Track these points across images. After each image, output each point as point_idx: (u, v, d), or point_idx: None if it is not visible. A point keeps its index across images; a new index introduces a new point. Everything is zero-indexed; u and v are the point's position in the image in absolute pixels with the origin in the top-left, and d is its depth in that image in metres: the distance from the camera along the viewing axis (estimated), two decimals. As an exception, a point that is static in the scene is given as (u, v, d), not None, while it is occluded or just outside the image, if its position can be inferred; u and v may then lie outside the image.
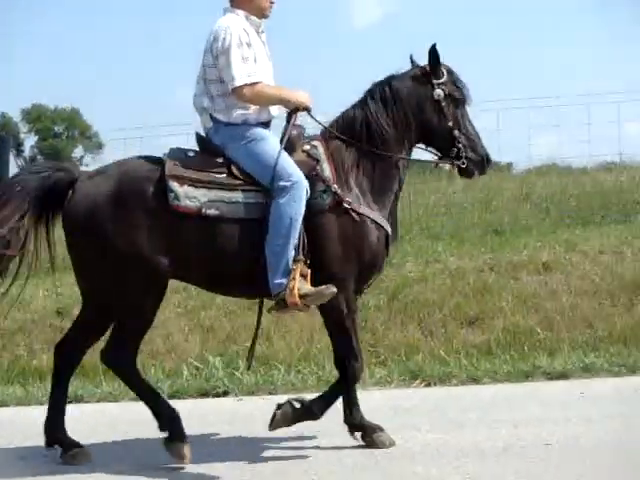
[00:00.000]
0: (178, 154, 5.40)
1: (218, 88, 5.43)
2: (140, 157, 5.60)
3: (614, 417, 5.61)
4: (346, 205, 5.30)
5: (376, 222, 5.42)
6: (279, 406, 5.43)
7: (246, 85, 5.31)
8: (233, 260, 5.27)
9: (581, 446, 5.03)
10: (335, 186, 5.32)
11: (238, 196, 5.28)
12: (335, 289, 5.13)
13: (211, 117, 5.49)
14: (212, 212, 5.21)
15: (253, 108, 5.45)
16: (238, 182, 5.32)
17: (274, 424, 5.41)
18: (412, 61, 5.84)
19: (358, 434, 5.53)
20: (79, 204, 5.24)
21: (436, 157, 5.85)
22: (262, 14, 5.60)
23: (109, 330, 5.48)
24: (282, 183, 5.20)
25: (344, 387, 5.54)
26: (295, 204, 5.19)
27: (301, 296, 5.08)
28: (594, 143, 17.99)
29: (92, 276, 5.35)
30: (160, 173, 5.24)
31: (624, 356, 7.01)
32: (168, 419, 5.24)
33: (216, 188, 5.27)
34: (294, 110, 5.51)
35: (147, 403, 5.36)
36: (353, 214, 5.32)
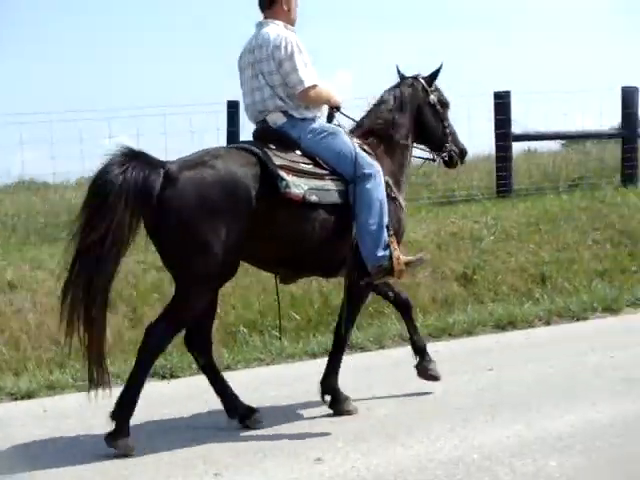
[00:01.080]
0: (260, 145, 5.70)
1: (285, 90, 5.87)
2: (229, 147, 6.17)
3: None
4: (393, 195, 6.06)
5: (403, 206, 6.25)
6: None
7: (310, 88, 5.84)
8: (322, 242, 5.75)
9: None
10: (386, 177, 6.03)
11: (327, 184, 5.77)
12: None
13: (285, 114, 5.90)
14: (313, 199, 5.63)
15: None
16: (324, 172, 5.81)
17: None
18: (399, 71, 6.68)
19: (328, 398, 5.96)
20: (187, 193, 5.29)
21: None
22: (293, 23, 6.15)
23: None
24: (366, 171, 5.81)
25: (340, 352, 6.13)
26: (380, 187, 5.85)
27: (405, 264, 5.80)
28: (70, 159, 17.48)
29: (195, 257, 5.36)
30: (260, 163, 5.52)
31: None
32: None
33: (312, 177, 5.72)
34: (336, 108, 6.18)
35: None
36: (396, 201, 6.11)
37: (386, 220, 5.82)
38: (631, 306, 9.02)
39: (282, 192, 5.51)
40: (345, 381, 6.04)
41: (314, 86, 5.88)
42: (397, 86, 6.56)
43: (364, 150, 6.02)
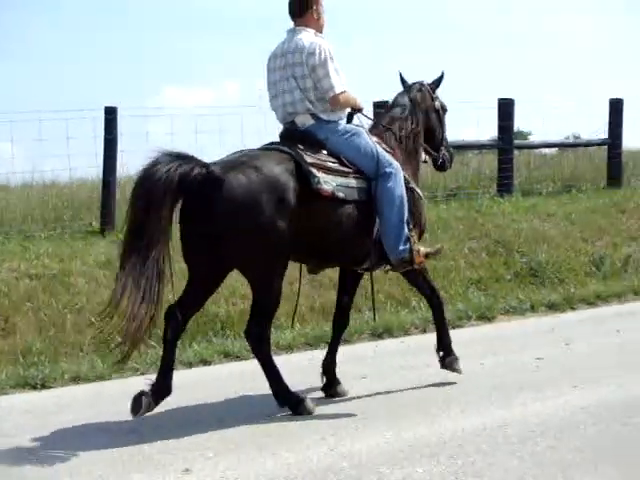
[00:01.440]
0: (289, 146, 6.13)
1: (315, 94, 6.29)
2: (266, 148, 6.28)
3: None
4: (411, 186, 6.56)
5: (422, 197, 6.83)
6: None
7: (340, 93, 6.31)
8: (347, 234, 6.21)
9: None
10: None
11: (351, 181, 6.22)
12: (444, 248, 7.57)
13: (313, 117, 6.33)
14: (340, 195, 6.10)
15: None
16: (348, 170, 6.25)
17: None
18: (402, 77, 7.24)
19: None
20: (237, 192, 5.66)
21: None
22: (322, 31, 6.55)
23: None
24: (388, 170, 6.27)
25: (340, 336, 6.79)
26: (400, 185, 6.31)
27: (426, 255, 6.48)
28: None
29: (241, 252, 5.81)
30: (294, 162, 5.97)
31: None
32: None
33: (338, 175, 6.16)
34: (358, 110, 6.65)
35: None
36: (415, 192, 6.61)
37: (406, 215, 6.34)
38: (505, 314, 9.20)
39: (314, 188, 5.96)
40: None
41: (344, 92, 6.35)
42: (408, 91, 7.08)
43: (383, 149, 6.45)
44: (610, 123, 14.72)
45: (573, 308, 9.55)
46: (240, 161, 5.88)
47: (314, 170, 5.99)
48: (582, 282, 10.38)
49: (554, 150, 17.89)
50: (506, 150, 13.49)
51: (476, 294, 9.73)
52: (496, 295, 9.72)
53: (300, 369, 6.99)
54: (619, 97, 14.66)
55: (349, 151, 6.34)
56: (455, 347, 6.67)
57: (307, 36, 6.34)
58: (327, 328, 7.97)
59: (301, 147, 6.12)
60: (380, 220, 6.31)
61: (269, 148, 6.24)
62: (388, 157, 6.38)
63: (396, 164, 6.38)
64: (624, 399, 6.04)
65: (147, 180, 5.59)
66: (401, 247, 6.28)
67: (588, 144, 15.93)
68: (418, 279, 6.78)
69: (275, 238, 5.76)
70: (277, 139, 6.46)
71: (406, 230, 6.32)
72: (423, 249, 6.45)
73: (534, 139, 18.37)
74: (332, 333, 6.77)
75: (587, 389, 6.32)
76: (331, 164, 6.18)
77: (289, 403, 5.94)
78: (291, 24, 6.52)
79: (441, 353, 6.71)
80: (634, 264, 11.17)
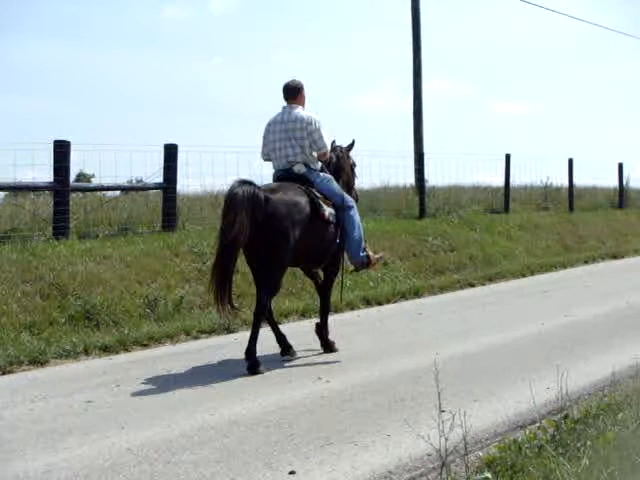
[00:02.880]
0: (298, 186, 8.97)
1: (309, 151, 9.24)
2: (285, 183, 8.97)
3: None
4: None
5: None
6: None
7: (327, 151, 9.53)
8: (327, 245, 9.19)
9: None
10: None
11: (332, 210, 9.12)
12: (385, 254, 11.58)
13: (306, 166, 9.24)
14: (330, 218, 9.09)
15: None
16: (329, 202, 9.17)
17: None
18: (334, 142, 10.10)
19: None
20: (280, 208, 8.46)
21: None
22: (304, 106, 9.56)
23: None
24: (350, 204, 9.40)
25: (326, 311, 9.62)
26: (357, 213, 9.49)
27: (377, 259, 9.68)
28: None
29: (280, 245, 8.49)
30: (309, 194, 8.93)
31: None
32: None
33: (327, 205, 9.09)
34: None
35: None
36: None
37: (362, 233, 9.49)
38: (59, 358, 9.05)
39: (320, 213, 8.95)
40: None
41: (328, 149, 9.56)
42: (333, 150, 10.00)
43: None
44: (165, 168, 14.99)
45: (127, 350, 9.61)
46: (277, 189, 8.74)
47: (320, 201, 9.01)
48: (136, 324, 10.49)
49: (117, 193, 18.03)
50: (62, 192, 13.32)
51: (29, 338, 9.50)
52: (50, 339, 9.54)
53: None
54: (174, 143, 15.01)
55: (328, 190, 9.28)
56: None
57: (301, 111, 9.38)
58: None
59: (305, 186, 9.04)
60: (346, 237, 9.34)
61: (291, 180, 9.09)
62: (347, 195, 9.52)
63: (352, 200, 9.59)
64: (169, 438, 6.18)
65: (233, 195, 8.22)
66: (362, 254, 9.44)
67: (144, 187, 16.15)
68: (332, 282, 9.72)
69: (292, 237, 8.54)
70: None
71: (363, 243, 9.47)
72: (374, 256, 9.62)
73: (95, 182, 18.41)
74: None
75: (134, 430, 6.40)
76: (321, 197, 9.09)
77: (248, 360, 8.34)
78: (283, 102, 9.48)
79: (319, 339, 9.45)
80: (187, 305, 11.51)
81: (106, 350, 9.48)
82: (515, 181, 25.13)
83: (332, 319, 10.39)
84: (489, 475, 4.99)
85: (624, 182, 29.81)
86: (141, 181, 16.77)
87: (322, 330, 9.37)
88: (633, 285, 14.81)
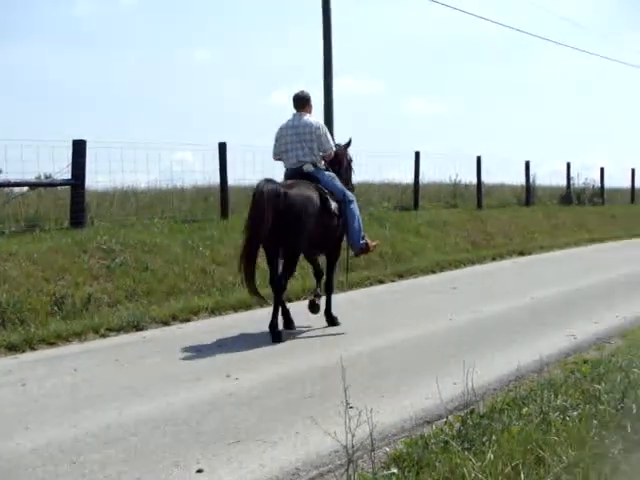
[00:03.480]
0: (309, 182, 10.39)
1: (316, 151, 10.66)
2: (299, 180, 10.32)
3: None
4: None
5: None
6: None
7: (333, 152, 10.96)
8: (332, 233, 10.65)
9: None
10: None
11: (335, 203, 10.48)
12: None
13: (313, 165, 10.64)
14: (335, 211, 10.49)
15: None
16: (333, 196, 10.53)
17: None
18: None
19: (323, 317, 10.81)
20: (297, 201, 9.83)
21: None
22: (312, 113, 11.12)
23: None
24: (350, 198, 10.79)
25: (330, 292, 10.97)
26: (357, 207, 10.94)
27: (373, 245, 11.28)
28: None
29: (299, 232, 9.89)
30: (319, 189, 10.33)
31: None
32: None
33: (332, 199, 10.47)
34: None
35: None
36: None
37: (361, 224, 10.94)
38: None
39: (328, 206, 10.35)
40: None
41: (332, 151, 10.97)
42: (338, 149, 11.31)
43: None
44: (73, 163, 14.71)
45: (33, 348, 9.45)
46: (293, 185, 10.10)
47: (328, 197, 10.39)
48: (43, 322, 10.31)
49: (25, 189, 17.71)
50: None
51: None
52: None
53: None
54: (82, 138, 14.78)
55: (332, 186, 10.67)
56: None
57: (310, 118, 10.87)
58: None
59: (314, 183, 10.44)
60: (347, 227, 10.79)
61: (304, 178, 10.45)
62: (348, 191, 10.91)
63: (352, 195, 11.03)
64: (76, 437, 6.11)
65: (260, 193, 9.59)
66: (361, 241, 10.91)
67: (52, 184, 15.84)
68: (334, 264, 11.13)
69: (308, 226, 9.98)
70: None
71: (362, 232, 10.93)
72: (371, 243, 11.17)
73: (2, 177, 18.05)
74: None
75: (39, 430, 6.31)
76: (329, 193, 10.48)
77: (273, 332, 9.73)
78: (293, 110, 10.96)
79: (325, 316, 10.80)
80: (95, 303, 11.36)
81: (12, 349, 9.31)
82: (425, 178, 25.40)
83: (243, 316, 10.41)
84: (395, 470, 5.05)
85: (531, 180, 30.34)
86: (50, 177, 16.51)
87: (327, 307, 10.88)
88: (538, 281, 15.09)
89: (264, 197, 9.48)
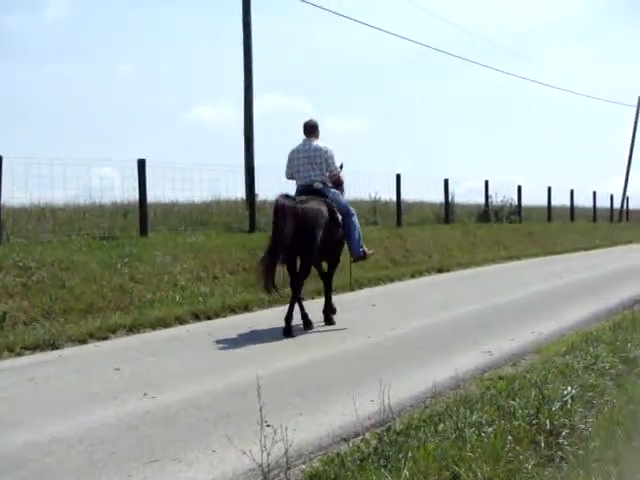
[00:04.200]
0: (319, 197, 12.08)
1: (325, 172, 12.46)
2: (311, 196, 11.99)
3: None
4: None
5: None
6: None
7: (339, 172, 12.80)
8: (338, 241, 12.39)
9: None
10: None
11: (340, 216, 12.16)
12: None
13: (322, 183, 12.38)
14: (340, 222, 12.15)
15: None
16: (338, 210, 12.19)
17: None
18: (342, 164, 13.15)
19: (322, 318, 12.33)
20: (310, 213, 11.46)
21: None
22: (319, 138, 12.76)
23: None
24: (351, 211, 12.51)
25: (329, 292, 12.65)
26: (357, 219, 12.67)
27: (370, 254, 13.08)
28: None
29: (313, 241, 11.49)
30: (327, 204, 11.99)
31: None
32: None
33: (338, 213, 12.16)
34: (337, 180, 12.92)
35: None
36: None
37: (360, 233, 12.68)
38: None
39: (335, 218, 11.99)
40: None
41: (338, 172, 12.75)
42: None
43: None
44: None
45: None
46: (306, 200, 11.67)
47: (335, 210, 12.05)
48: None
49: None
50: None
51: None
52: None
53: None
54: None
55: (337, 202, 12.31)
56: None
57: (319, 143, 12.55)
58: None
59: (323, 198, 12.07)
60: (348, 237, 12.48)
61: (314, 196, 11.99)
62: (350, 206, 12.63)
63: (353, 209, 12.70)
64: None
65: (279, 207, 11.09)
66: (360, 249, 12.57)
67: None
68: (334, 269, 12.83)
69: (318, 236, 11.55)
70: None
71: (361, 241, 12.65)
72: (369, 251, 12.98)
73: None
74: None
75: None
76: (335, 207, 12.11)
77: (286, 326, 11.26)
78: (303, 136, 12.69)
79: (323, 315, 12.36)
80: (10, 321, 11.22)
81: None
82: (346, 196, 25.46)
83: (161, 334, 10.35)
84: (311, 489, 5.06)
85: (450, 197, 30.63)
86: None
87: (326, 306, 12.46)
88: (456, 298, 15.22)
89: (285, 212, 11.04)
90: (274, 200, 11.88)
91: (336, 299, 13.82)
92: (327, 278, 12.70)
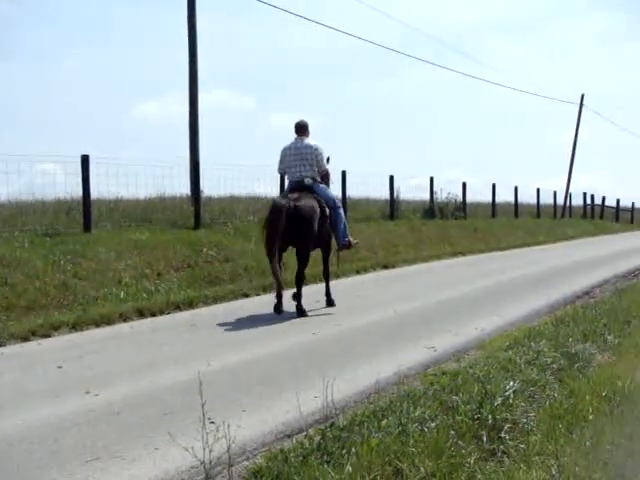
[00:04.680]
0: (309, 194, 13.24)
1: (315, 168, 13.58)
2: (304, 193, 13.18)
3: None
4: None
5: None
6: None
7: (327, 169, 13.94)
8: (327, 232, 13.56)
9: None
10: None
11: (327, 209, 13.33)
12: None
13: (312, 179, 13.51)
14: (328, 215, 13.35)
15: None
16: (325, 203, 13.39)
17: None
18: (328, 157, 14.26)
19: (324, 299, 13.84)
20: (304, 210, 12.71)
21: None
22: (309, 137, 13.85)
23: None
24: (338, 204, 13.79)
25: (328, 279, 14.07)
26: (342, 211, 13.92)
27: (355, 243, 14.37)
28: None
29: (309, 235, 12.88)
30: (317, 199, 13.16)
31: None
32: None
33: (326, 206, 13.35)
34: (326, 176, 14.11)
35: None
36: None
37: (346, 224, 13.90)
38: None
39: (324, 212, 13.15)
40: None
41: (327, 169, 13.95)
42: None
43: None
44: None
45: None
46: (300, 197, 12.84)
47: (324, 205, 13.22)
48: None
49: None
50: None
51: None
52: None
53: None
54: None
55: (325, 196, 13.51)
56: None
57: (309, 141, 13.68)
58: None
59: (313, 194, 13.25)
60: (334, 227, 13.64)
61: (306, 193, 13.16)
62: (337, 199, 14.10)
63: (339, 201, 14.38)
64: None
65: (274, 207, 12.57)
66: (345, 239, 13.78)
67: None
68: (328, 258, 14.10)
69: (314, 230, 12.89)
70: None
71: (347, 231, 13.89)
72: (354, 240, 14.25)
73: None
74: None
75: None
76: (324, 201, 13.28)
77: (298, 308, 12.81)
78: (294, 135, 13.81)
79: (325, 298, 13.85)
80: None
81: None
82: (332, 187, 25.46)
83: (105, 331, 10.29)
84: (254, 485, 5.06)
85: (395, 194, 30.73)
86: None
87: (327, 290, 13.97)
88: (401, 294, 15.29)
89: (278, 210, 12.50)
90: (271, 200, 14.26)
91: (282, 296, 13.82)
92: (324, 266, 14.13)
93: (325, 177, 13.96)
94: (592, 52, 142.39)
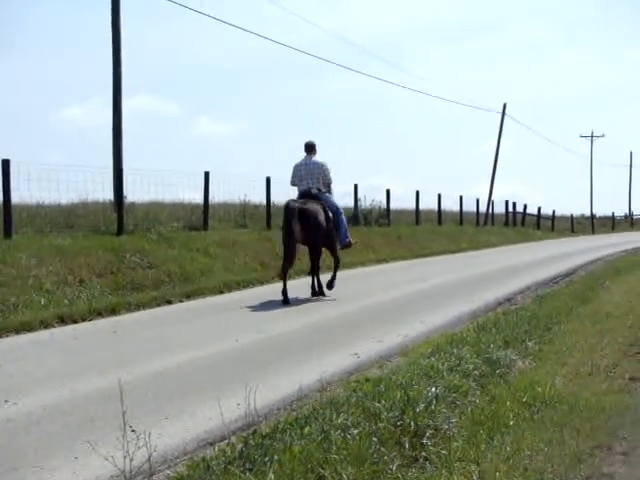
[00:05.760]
0: (315, 200, 15.81)
1: (322, 181, 16.24)
2: (309, 199, 15.73)
3: None
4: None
5: None
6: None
7: (332, 182, 16.73)
8: (330, 233, 16.00)
9: None
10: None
11: (331, 214, 15.93)
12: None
13: (319, 190, 16.06)
14: (331, 219, 15.90)
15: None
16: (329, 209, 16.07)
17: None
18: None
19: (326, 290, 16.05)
20: (313, 213, 15.27)
21: None
22: (316, 154, 16.63)
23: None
24: (340, 210, 16.57)
25: (335, 270, 16.48)
26: (343, 216, 16.72)
27: (355, 242, 18.08)
28: None
29: (317, 230, 15.37)
30: (322, 204, 15.77)
31: None
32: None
33: (330, 210, 16.00)
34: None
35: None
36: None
37: (346, 226, 16.52)
38: None
39: (328, 215, 15.69)
40: None
41: (332, 182, 16.64)
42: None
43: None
44: None
45: None
46: (307, 202, 15.29)
47: (327, 210, 15.66)
48: None
49: None
50: None
51: None
52: None
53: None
54: None
55: (329, 203, 15.94)
56: None
57: (318, 159, 16.30)
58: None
59: (318, 200, 15.74)
60: (336, 229, 15.98)
61: (312, 199, 15.63)
62: (338, 206, 16.45)
63: (341, 208, 16.64)
64: None
65: (288, 208, 15.01)
66: (347, 239, 16.26)
67: None
68: (335, 253, 16.36)
69: (322, 225, 15.33)
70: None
71: (347, 231, 16.44)
72: (352, 240, 16.66)
73: None
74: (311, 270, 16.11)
75: None
76: (328, 207, 15.74)
77: (320, 291, 15.93)
78: (303, 154, 16.45)
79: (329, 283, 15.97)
80: None
81: None
82: (215, 198, 25.33)
83: (24, 339, 10.15)
84: (175, 494, 5.03)
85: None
86: None
87: (332, 278, 16.09)
88: (324, 301, 15.38)
89: (292, 213, 14.85)
90: (284, 203, 16.09)
91: (205, 302, 13.76)
92: (334, 259, 16.56)
93: (327, 187, 16.44)
94: (516, 62, 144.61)
